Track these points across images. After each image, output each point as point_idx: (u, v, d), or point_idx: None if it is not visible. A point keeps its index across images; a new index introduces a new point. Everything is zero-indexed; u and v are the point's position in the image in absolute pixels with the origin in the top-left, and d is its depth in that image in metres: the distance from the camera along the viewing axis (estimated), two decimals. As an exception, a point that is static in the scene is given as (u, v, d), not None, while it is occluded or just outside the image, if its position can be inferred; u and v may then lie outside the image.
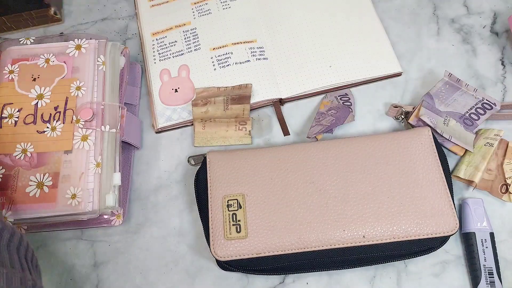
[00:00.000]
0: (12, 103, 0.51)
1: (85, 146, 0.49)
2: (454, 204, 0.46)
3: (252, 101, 0.56)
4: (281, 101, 0.57)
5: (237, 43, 0.60)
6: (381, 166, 0.48)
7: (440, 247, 0.46)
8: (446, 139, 0.50)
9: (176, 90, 0.58)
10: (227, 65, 0.59)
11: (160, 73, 0.59)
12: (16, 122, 0.50)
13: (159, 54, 0.60)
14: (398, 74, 0.58)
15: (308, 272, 0.46)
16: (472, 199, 0.50)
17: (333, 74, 0.58)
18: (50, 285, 0.50)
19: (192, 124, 0.57)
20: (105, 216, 0.50)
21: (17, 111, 0.51)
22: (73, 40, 0.54)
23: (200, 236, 0.51)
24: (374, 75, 0.57)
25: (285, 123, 0.56)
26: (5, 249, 0.36)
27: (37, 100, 0.51)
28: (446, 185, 0.47)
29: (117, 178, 0.49)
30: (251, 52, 0.59)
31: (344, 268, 0.47)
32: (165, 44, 0.61)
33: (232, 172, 0.49)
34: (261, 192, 0.47)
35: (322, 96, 0.58)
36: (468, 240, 0.48)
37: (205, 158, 0.51)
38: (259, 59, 0.59)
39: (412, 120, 0.52)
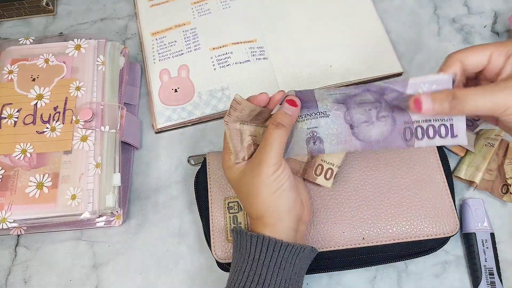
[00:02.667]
0: (11, 103, 0.51)
1: (85, 147, 0.49)
2: (455, 205, 0.46)
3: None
4: (281, 102, 0.57)
5: (237, 43, 0.60)
6: (381, 167, 0.47)
7: (440, 247, 0.46)
8: (447, 139, 0.50)
9: (176, 90, 0.58)
10: (227, 65, 0.58)
11: (159, 73, 0.59)
12: (15, 122, 0.50)
13: (158, 54, 0.60)
14: (398, 74, 0.58)
15: (308, 274, 0.46)
16: (472, 200, 0.49)
17: (333, 74, 0.57)
18: (50, 286, 0.50)
19: (192, 124, 0.57)
20: (105, 217, 0.50)
21: (17, 111, 0.51)
22: (73, 40, 0.54)
23: (200, 237, 0.51)
24: (374, 75, 0.57)
25: (285, 123, 0.56)
26: None
27: (36, 100, 0.51)
28: (447, 185, 0.46)
29: (117, 179, 0.49)
30: (251, 52, 0.59)
31: (345, 269, 0.47)
32: (164, 44, 0.61)
33: (232, 172, 0.49)
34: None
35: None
36: (468, 240, 0.48)
37: (205, 159, 0.50)
38: (259, 59, 0.59)
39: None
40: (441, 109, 0.35)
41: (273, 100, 0.42)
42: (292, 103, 0.41)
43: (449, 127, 0.38)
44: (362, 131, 0.40)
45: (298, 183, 0.44)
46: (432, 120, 0.38)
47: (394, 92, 0.37)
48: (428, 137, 0.38)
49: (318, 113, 0.41)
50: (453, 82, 0.36)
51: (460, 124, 0.37)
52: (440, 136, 0.38)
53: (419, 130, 0.38)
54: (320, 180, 0.45)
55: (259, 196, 0.39)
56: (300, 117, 0.42)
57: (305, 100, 0.41)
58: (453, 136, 0.37)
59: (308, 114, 0.41)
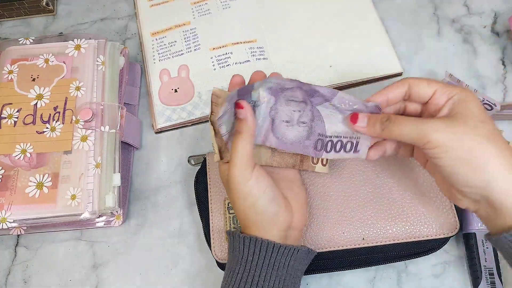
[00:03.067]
0: (11, 103, 0.51)
1: (85, 147, 0.49)
2: (455, 205, 0.46)
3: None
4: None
5: (237, 43, 0.60)
6: (381, 167, 0.47)
7: (440, 248, 0.46)
8: (447, 139, 0.50)
9: (175, 90, 0.58)
10: (227, 65, 0.58)
11: (159, 73, 0.59)
12: (15, 122, 0.50)
13: (158, 54, 0.60)
14: (398, 74, 0.58)
15: (308, 274, 0.46)
16: (472, 200, 0.49)
17: (333, 74, 0.57)
18: (50, 286, 0.50)
19: (192, 124, 0.57)
20: (105, 217, 0.50)
21: (17, 111, 0.51)
22: (73, 40, 0.54)
23: (200, 237, 0.51)
24: (374, 75, 0.57)
25: (285, 123, 0.56)
26: None
27: (36, 100, 0.51)
28: (447, 185, 0.46)
29: (116, 179, 0.49)
30: (251, 52, 0.59)
31: (344, 270, 0.47)
32: (164, 44, 0.61)
33: (232, 172, 0.48)
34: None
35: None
36: (468, 240, 0.48)
37: (205, 159, 0.50)
38: (259, 59, 0.59)
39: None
40: (373, 129, 0.38)
41: (232, 84, 0.41)
42: (238, 106, 0.38)
43: (354, 144, 0.41)
44: (281, 130, 0.41)
45: (292, 189, 0.42)
46: (342, 137, 0.41)
47: (321, 97, 0.39)
48: (335, 150, 0.41)
49: (249, 103, 0.39)
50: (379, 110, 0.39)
51: (364, 142, 0.41)
52: (345, 150, 0.41)
53: (329, 144, 0.41)
54: (319, 167, 0.45)
55: (237, 207, 0.39)
56: None
57: (243, 94, 0.39)
58: (355, 151, 0.41)
59: None
